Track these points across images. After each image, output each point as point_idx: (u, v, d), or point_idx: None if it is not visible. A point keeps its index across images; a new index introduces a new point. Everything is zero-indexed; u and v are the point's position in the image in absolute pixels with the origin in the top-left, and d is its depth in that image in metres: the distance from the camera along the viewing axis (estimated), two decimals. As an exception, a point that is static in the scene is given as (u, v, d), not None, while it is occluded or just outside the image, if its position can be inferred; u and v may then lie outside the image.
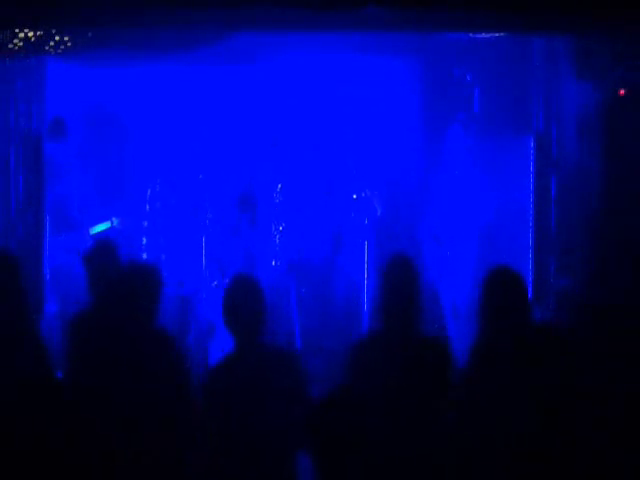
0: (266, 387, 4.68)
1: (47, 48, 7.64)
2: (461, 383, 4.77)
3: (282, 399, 4.69)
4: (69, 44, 7.64)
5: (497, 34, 8.28)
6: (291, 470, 4.75)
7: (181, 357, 5.10)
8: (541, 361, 4.74)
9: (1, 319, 5.23)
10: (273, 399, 4.67)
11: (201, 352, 8.73)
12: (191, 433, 4.92)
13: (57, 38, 7.58)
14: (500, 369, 4.72)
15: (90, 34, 7.63)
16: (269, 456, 4.66)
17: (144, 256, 9.30)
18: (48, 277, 8.70)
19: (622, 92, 8.14)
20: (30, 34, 7.55)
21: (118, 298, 5.04)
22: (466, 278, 8.79)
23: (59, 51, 7.68)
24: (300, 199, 9.46)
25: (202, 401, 4.81)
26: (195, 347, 8.91)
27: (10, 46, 7.59)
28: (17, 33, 7.54)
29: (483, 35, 8.37)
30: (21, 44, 7.58)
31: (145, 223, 9.43)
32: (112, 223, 9.23)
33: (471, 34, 8.40)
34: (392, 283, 4.89)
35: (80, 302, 6.08)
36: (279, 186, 9.17)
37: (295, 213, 9.36)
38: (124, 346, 4.91)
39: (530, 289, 8.83)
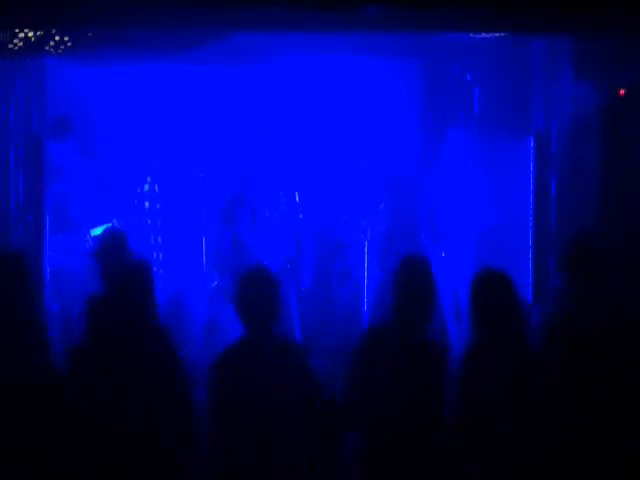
0: (273, 378, 4.70)
1: (47, 48, 7.65)
2: (456, 384, 4.81)
3: (288, 391, 4.70)
4: (69, 44, 7.65)
5: (497, 34, 8.28)
6: (298, 459, 4.76)
7: (176, 350, 5.10)
8: (536, 361, 4.78)
9: (8, 318, 5.25)
10: (279, 390, 4.68)
11: (201, 350, 8.74)
12: (189, 427, 4.93)
13: (57, 38, 7.59)
14: (493, 370, 4.75)
15: (90, 34, 7.64)
16: (274, 444, 4.67)
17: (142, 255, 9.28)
18: (48, 277, 8.69)
19: (622, 92, 8.14)
20: (30, 34, 7.56)
21: (114, 293, 5.06)
22: (467, 278, 8.77)
23: (59, 51, 7.69)
24: (301, 199, 9.46)
25: (207, 385, 4.81)
26: (196, 345, 8.92)
27: (10, 46, 7.60)
28: (17, 33, 7.54)
29: (483, 35, 8.37)
30: (21, 44, 7.59)
31: (148, 221, 9.42)
32: (112, 225, 9.23)
33: (471, 34, 8.40)
34: (406, 281, 4.93)
35: (80, 301, 6.08)
36: (296, 194, 9.17)
37: (296, 213, 9.36)
38: (121, 340, 4.94)
39: (530, 289, 8.87)
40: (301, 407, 4.74)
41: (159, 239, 9.53)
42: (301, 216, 9.05)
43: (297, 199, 9.06)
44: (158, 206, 9.48)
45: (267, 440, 4.68)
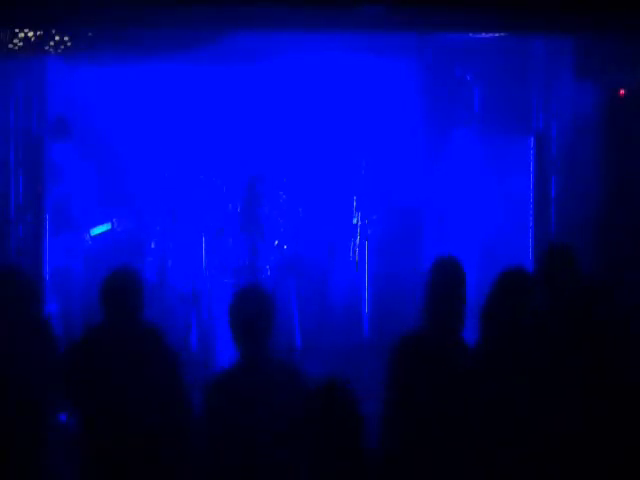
0: (268, 403, 4.64)
1: (47, 48, 7.64)
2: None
3: (283, 415, 4.65)
4: (69, 44, 7.65)
5: (497, 34, 8.28)
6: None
7: (170, 351, 5.07)
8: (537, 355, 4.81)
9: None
10: (274, 414, 4.63)
11: (204, 352, 8.76)
12: (186, 431, 4.92)
13: (57, 38, 7.59)
14: (498, 366, 4.78)
15: (90, 34, 7.63)
16: (268, 471, 4.63)
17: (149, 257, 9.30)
18: (48, 278, 8.69)
19: (622, 92, 8.14)
20: (30, 34, 7.56)
21: (103, 302, 5.06)
22: (467, 278, 8.77)
23: (59, 51, 7.69)
24: (301, 200, 9.46)
25: (203, 412, 4.77)
26: (199, 347, 8.94)
27: (10, 46, 7.60)
28: (17, 33, 7.54)
29: (483, 35, 8.37)
30: (21, 44, 7.59)
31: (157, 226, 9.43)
32: (112, 224, 9.24)
33: (471, 34, 8.40)
34: (440, 284, 4.93)
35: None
36: (284, 179, 9.18)
37: (296, 213, 9.36)
38: (111, 345, 4.94)
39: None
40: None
41: (166, 241, 9.53)
42: (282, 198, 9.07)
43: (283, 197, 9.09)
44: (174, 203, 9.48)
45: (261, 463, 4.64)
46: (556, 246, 5.68)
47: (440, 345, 4.84)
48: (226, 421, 4.68)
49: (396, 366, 4.88)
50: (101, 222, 9.22)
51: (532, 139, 8.86)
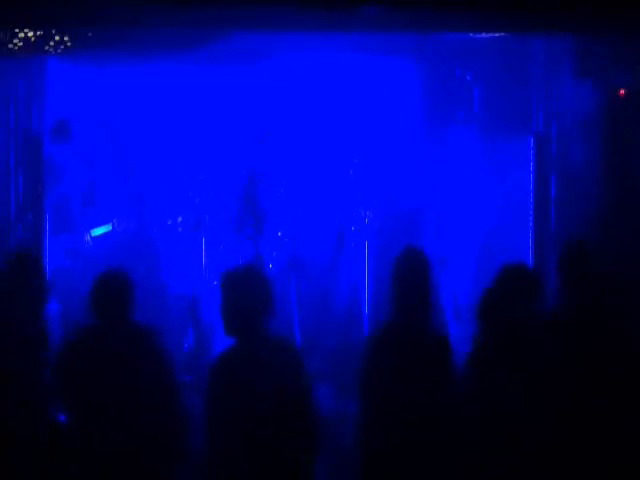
0: (267, 381, 4.64)
1: (47, 48, 7.66)
2: (463, 379, 4.84)
3: (282, 392, 4.65)
4: (69, 44, 7.66)
5: (497, 34, 8.28)
6: (292, 464, 4.74)
7: (162, 351, 5.07)
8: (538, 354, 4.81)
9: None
10: (273, 392, 4.64)
11: (203, 353, 8.76)
12: (180, 431, 4.94)
13: (57, 38, 7.60)
14: (497, 364, 4.78)
15: (90, 34, 7.65)
16: (269, 451, 4.64)
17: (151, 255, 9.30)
18: (48, 278, 8.68)
19: (622, 92, 8.15)
20: (30, 34, 7.57)
21: (92, 304, 5.08)
22: (467, 278, 8.79)
23: (59, 51, 7.70)
24: (301, 199, 9.47)
25: (205, 392, 4.76)
26: (196, 348, 8.93)
27: (10, 46, 7.61)
28: (17, 33, 7.55)
29: (483, 35, 8.38)
30: (21, 44, 7.60)
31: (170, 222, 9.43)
32: (113, 225, 9.24)
33: (471, 34, 8.41)
34: (404, 275, 4.95)
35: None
36: (280, 191, 9.19)
37: (296, 212, 9.37)
38: (102, 346, 4.96)
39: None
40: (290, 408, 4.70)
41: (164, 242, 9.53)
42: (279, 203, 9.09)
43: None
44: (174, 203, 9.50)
45: (262, 441, 4.64)
46: (573, 243, 5.67)
47: (406, 334, 4.87)
48: (224, 405, 4.67)
49: (365, 355, 4.92)
50: (102, 223, 9.22)
51: (532, 139, 8.86)
